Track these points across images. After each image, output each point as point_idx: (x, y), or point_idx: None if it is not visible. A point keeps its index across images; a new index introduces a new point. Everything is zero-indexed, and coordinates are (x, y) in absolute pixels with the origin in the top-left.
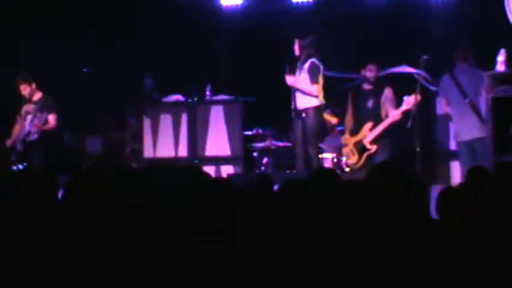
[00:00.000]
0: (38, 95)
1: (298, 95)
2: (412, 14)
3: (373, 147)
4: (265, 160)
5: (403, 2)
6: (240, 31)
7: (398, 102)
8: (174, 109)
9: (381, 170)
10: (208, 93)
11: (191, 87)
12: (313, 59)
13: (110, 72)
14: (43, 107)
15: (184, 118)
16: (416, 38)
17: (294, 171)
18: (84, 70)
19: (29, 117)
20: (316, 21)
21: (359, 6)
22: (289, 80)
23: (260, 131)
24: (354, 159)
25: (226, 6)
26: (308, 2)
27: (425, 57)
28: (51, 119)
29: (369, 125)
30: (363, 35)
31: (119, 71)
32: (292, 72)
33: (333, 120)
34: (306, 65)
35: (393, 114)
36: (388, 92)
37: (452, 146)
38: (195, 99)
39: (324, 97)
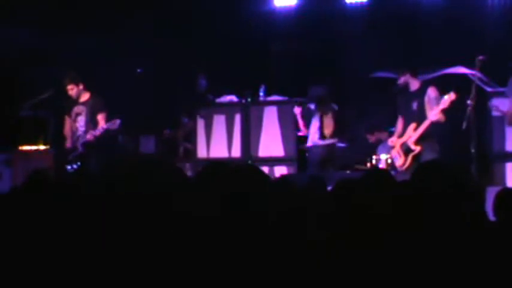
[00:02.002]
0: (86, 96)
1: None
2: (467, 14)
3: (417, 148)
4: None
5: (458, 2)
6: (294, 32)
7: None
8: (228, 110)
9: (426, 170)
10: (261, 94)
11: (245, 88)
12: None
13: (164, 72)
14: (93, 108)
15: (237, 119)
16: (472, 38)
17: (348, 171)
18: (138, 71)
19: (81, 118)
20: (370, 21)
21: (413, 6)
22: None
23: None
24: (400, 160)
25: (280, 7)
26: (362, 2)
27: (480, 57)
28: (101, 119)
29: (413, 125)
30: (418, 34)
31: (172, 71)
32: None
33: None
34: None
35: (431, 115)
36: (431, 92)
37: (508, 147)
38: (249, 100)
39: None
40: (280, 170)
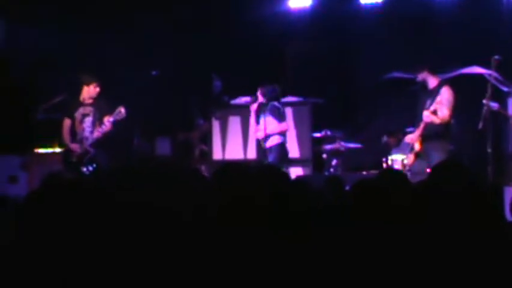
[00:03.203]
0: (93, 97)
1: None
2: (482, 13)
3: (419, 147)
4: (334, 162)
5: (473, 1)
6: (308, 32)
7: (457, 103)
8: (243, 111)
9: (440, 171)
10: None
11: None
12: (275, 102)
13: (179, 74)
14: (102, 110)
15: (253, 120)
16: (487, 38)
17: (364, 172)
18: (154, 73)
19: (88, 119)
20: (384, 22)
21: (428, 6)
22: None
23: (329, 132)
24: (406, 158)
25: (295, 8)
26: (377, 3)
27: (496, 57)
28: (107, 121)
29: (422, 124)
30: (433, 34)
31: (187, 73)
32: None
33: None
34: (269, 108)
35: (424, 116)
36: (444, 92)
37: None
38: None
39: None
40: (295, 171)
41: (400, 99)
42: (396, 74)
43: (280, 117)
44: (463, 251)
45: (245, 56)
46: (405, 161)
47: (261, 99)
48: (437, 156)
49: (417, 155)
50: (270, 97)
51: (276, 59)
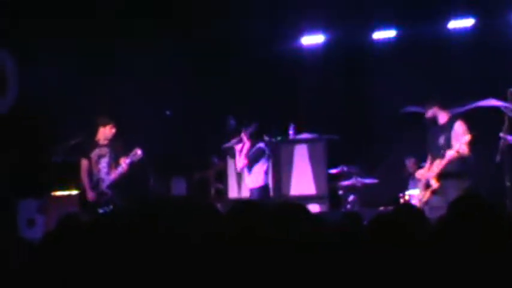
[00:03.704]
0: (108, 139)
1: (246, 175)
2: (497, 45)
3: (436, 184)
4: (351, 198)
5: (488, 33)
6: (322, 69)
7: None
8: None
9: (460, 206)
10: (291, 132)
11: (274, 126)
12: (260, 144)
13: (193, 113)
14: (117, 150)
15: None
16: (503, 69)
17: (381, 208)
18: (167, 113)
19: (104, 160)
20: (398, 56)
21: (442, 38)
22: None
23: (345, 168)
24: (421, 194)
25: (307, 45)
26: (389, 38)
27: None
28: (124, 162)
29: (439, 161)
30: (447, 66)
31: (201, 112)
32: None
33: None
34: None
35: (448, 155)
36: (458, 126)
37: None
38: (279, 138)
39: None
40: (312, 208)
41: (416, 133)
42: (411, 108)
43: (263, 157)
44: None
45: (259, 94)
46: (422, 198)
47: (245, 140)
48: (452, 194)
49: (434, 192)
50: (254, 136)
51: (290, 97)
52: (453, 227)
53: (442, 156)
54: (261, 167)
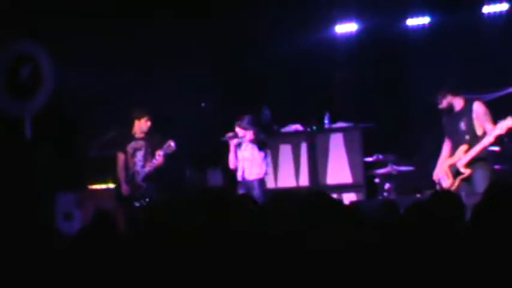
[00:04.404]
0: (144, 132)
1: (247, 167)
2: None
3: (467, 171)
4: (387, 186)
5: None
6: (356, 57)
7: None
8: (294, 139)
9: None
10: (326, 121)
11: (310, 116)
12: (260, 136)
13: (228, 105)
14: (154, 144)
15: (304, 147)
16: None
17: (418, 195)
18: (203, 105)
19: (140, 153)
20: (432, 42)
21: (477, 24)
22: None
23: (380, 156)
24: (448, 182)
25: (341, 33)
26: (424, 24)
27: None
28: (158, 155)
29: (464, 147)
30: (483, 53)
31: (236, 104)
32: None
33: None
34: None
35: (484, 142)
36: (477, 108)
37: None
38: (314, 127)
39: None
40: (349, 197)
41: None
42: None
43: (264, 148)
44: None
45: (294, 84)
46: (445, 183)
47: (241, 133)
48: (481, 180)
49: (464, 179)
50: (249, 127)
51: (324, 86)
52: (489, 215)
53: (467, 142)
54: (262, 158)
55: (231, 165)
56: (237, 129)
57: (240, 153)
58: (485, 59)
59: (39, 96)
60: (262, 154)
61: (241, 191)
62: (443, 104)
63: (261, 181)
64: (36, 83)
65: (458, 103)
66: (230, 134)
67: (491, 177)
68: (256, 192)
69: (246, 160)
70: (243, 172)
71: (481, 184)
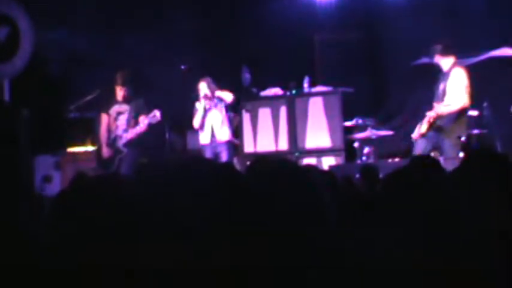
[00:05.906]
0: (128, 96)
1: (217, 128)
2: None
3: (434, 115)
4: (366, 150)
5: None
6: (337, 21)
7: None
8: (273, 102)
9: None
10: (306, 85)
11: (289, 80)
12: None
13: (207, 67)
14: (138, 108)
15: (283, 111)
16: None
17: (397, 159)
18: (182, 67)
19: (123, 117)
20: (412, 6)
21: None
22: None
23: (360, 121)
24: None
25: None
26: None
27: None
28: (142, 120)
29: (434, 115)
30: (462, 16)
31: (216, 66)
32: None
33: None
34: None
35: (437, 108)
36: (455, 73)
37: None
38: (294, 92)
39: None
40: (328, 161)
41: (430, 85)
42: (425, 60)
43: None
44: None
45: (273, 47)
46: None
47: (206, 92)
48: (449, 145)
49: (431, 125)
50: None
51: (304, 49)
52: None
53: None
54: (229, 121)
55: (197, 125)
56: (206, 90)
57: (208, 115)
58: (465, 22)
59: (18, 59)
60: (228, 116)
61: (208, 155)
62: (435, 61)
63: (230, 143)
64: (14, 45)
65: (445, 64)
66: (207, 94)
67: (460, 145)
68: (223, 155)
69: (215, 122)
70: (212, 134)
71: (450, 153)
